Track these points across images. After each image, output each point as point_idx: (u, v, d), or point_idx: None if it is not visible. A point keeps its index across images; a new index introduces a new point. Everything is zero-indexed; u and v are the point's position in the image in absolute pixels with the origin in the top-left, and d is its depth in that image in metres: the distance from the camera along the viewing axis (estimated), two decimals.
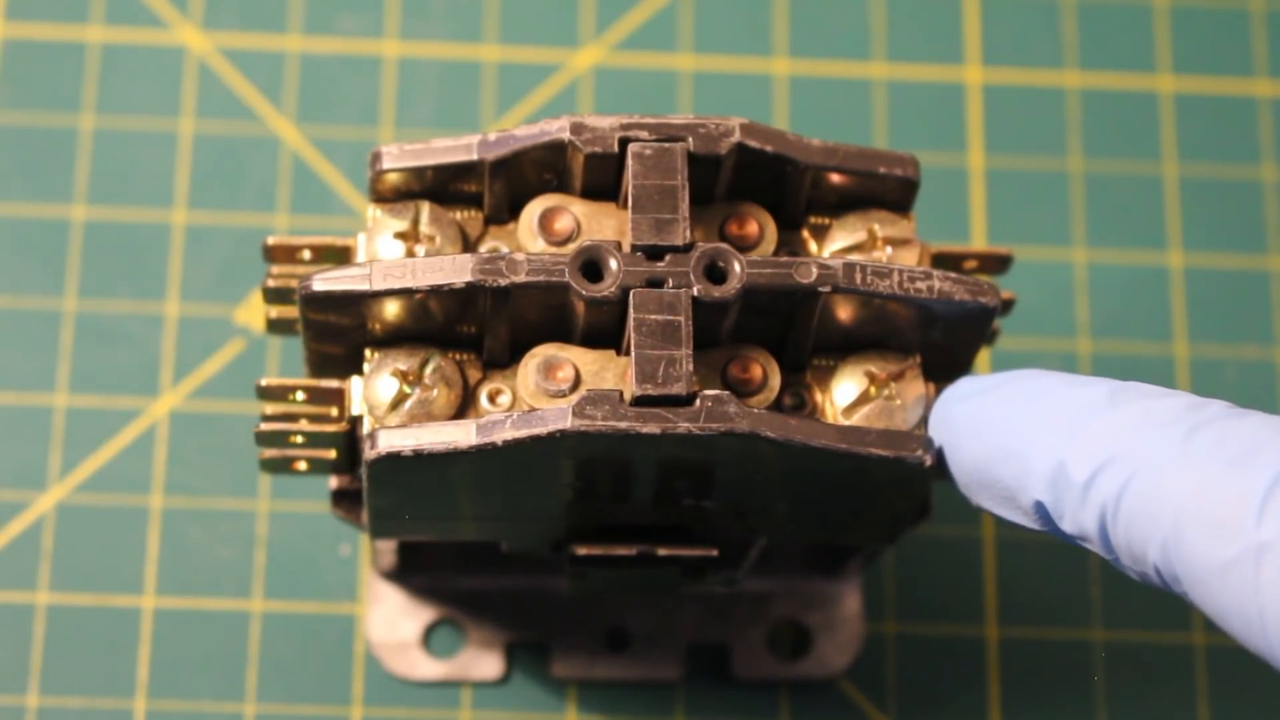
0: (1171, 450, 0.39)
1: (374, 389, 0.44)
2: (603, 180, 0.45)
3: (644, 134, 0.44)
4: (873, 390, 0.45)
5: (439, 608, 0.54)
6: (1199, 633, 0.55)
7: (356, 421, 0.45)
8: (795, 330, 0.44)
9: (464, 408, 0.44)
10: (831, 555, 0.53)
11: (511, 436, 0.42)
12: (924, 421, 0.45)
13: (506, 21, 0.60)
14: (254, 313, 0.57)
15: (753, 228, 0.45)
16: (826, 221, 0.46)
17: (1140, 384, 0.41)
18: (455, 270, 0.43)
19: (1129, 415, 0.40)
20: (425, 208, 0.45)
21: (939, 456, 0.44)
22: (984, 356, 0.57)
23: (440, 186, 0.45)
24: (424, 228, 0.45)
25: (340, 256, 0.46)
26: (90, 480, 0.55)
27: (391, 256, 0.45)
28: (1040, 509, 0.41)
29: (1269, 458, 0.38)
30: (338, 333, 0.45)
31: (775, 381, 0.44)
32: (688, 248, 0.43)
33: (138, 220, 0.58)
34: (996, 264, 0.48)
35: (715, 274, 0.43)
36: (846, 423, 0.44)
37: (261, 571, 0.55)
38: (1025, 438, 0.41)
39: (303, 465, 0.47)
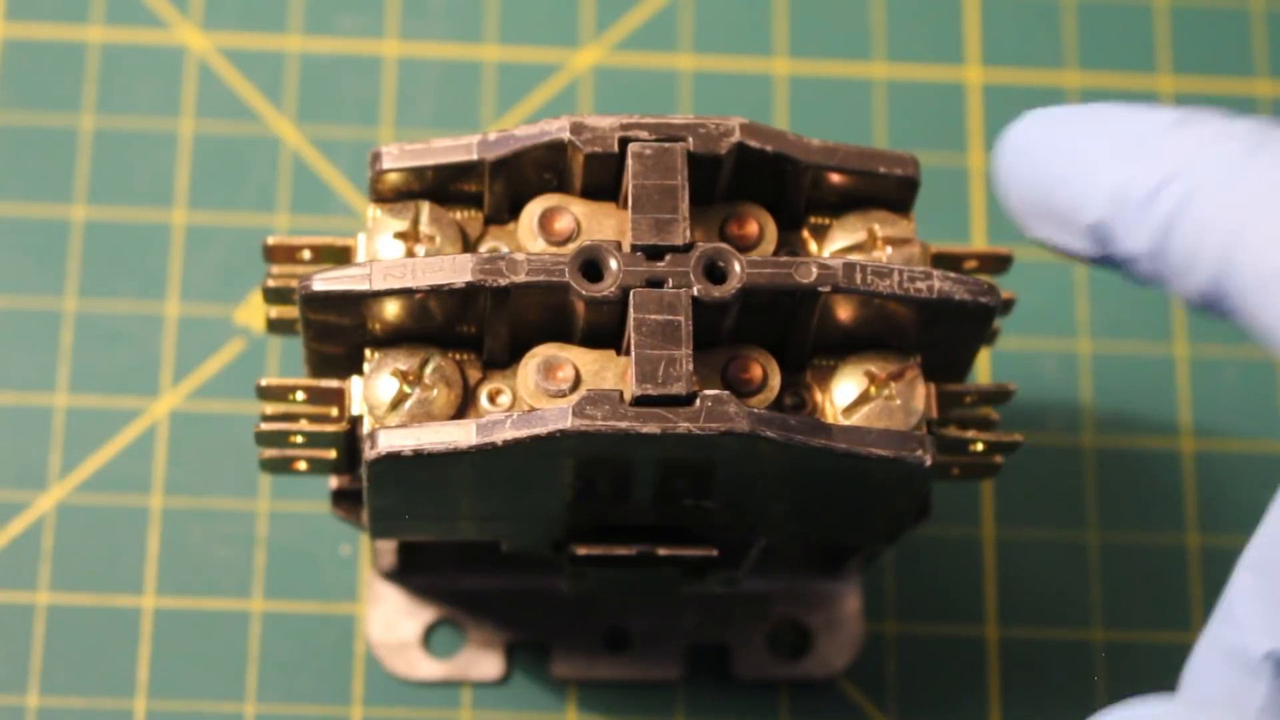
0: (1234, 165, 0.39)
1: (374, 389, 0.44)
2: (603, 180, 0.45)
3: (644, 134, 0.44)
4: (873, 390, 0.45)
5: (439, 608, 0.54)
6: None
7: (356, 421, 0.45)
8: (795, 330, 0.44)
9: (464, 408, 0.44)
10: (831, 555, 0.53)
11: (511, 436, 0.42)
12: (924, 422, 0.45)
13: (506, 21, 0.60)
14: (254, 313, 0.57)
15: (753, 228, 0.45)
16: (826, 221, 0.46)
17: (1210, 110, 0.41)
18: (455, 270, 0.43)
19: (1194, 134, 0.40)
20: (425, 208, 0.45)
21: (997, 176, 0.44)
22: (984, 356, 0.57)
23: (440, 186, 0.45)
24: (424, 228, 0.45)
25: (340, 256, 0.46)
26: (90, 480, 0.55)
27: (391, 256, 0.45)
28: (1097, 229, 0.41)
29: None
30: (338, 333, 0.45)
31: (775, 381, 0.44)
32: (688, 248, 0.43)
33: (138, 220, 0.58)
34: (996, 264, 0.48)
35: (715, 274, 0.43)
36: (846, 423, 0.44)
37: (261, 571, 0.55)
38: (1090, 158, 0.41)
39: (303, 465, 0.47)
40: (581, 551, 0.47)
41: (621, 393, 0.42)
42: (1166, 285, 0.40)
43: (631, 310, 0.42)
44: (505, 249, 0.46)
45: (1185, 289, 0.40)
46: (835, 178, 0.45)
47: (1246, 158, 0.39)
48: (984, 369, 0.57)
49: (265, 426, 0.46)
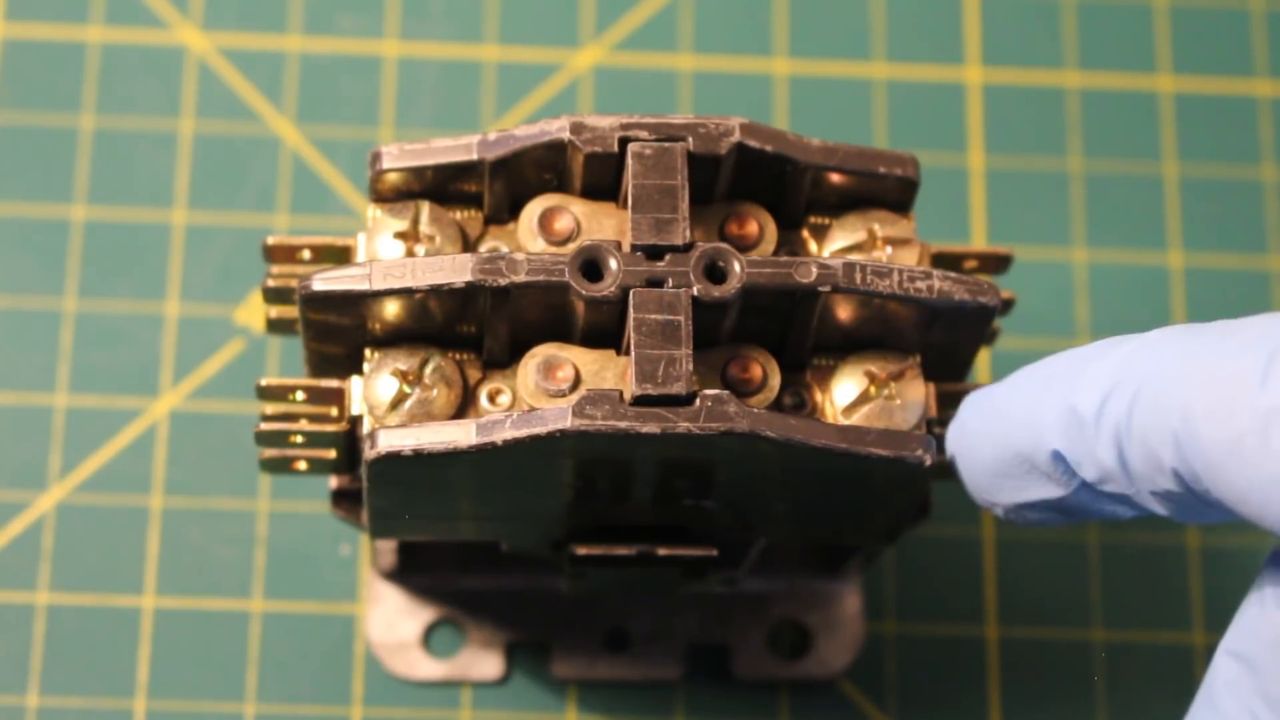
0: (1171, 357, 0.39)
1: (374, 389, 0.44)
2: (603, 180, 0.45)
3: (644, 134, 0.44)
4: (873, 390, 0.45)
5: (439, 608, 0.54)
6: (1199, 633, 0.55)
7: (356, 421, 0.45)
8: (795, 330, 0.44)
9: (464, 408, 0.44)
10: (831, 555, 0.53)
11: (511, 436, 0.42)
12: (924, 422, 0.45)
13: (506, 21, 0.60)
14: (254, 313, 0.57)
15: (753, 227, 0.45)
16: (826, 221, 0.46)
17: (1125, 335, 0.42)
18: (455, 270, 0.43)
19: (1128, 348, 0.41)
20: (425, 208, 0.45)
21: (955, 466, 0.44)
22: (984, 356, 0.57)
23: (440, 186, 0.45)
24: (424, 228, 0.45)
25: (340, 256, 0.46)
26: (90, 480, 0.55)
27: (391, 256, 0.45)
28: (1060, 461, 0.42)
29: (1268, 336, 0.38)
30: (338, 333, 0.45)
31: (775, 381, 0.44)
32: (687, 247, 0.43)
33: (138, 220, 0.58)
34: (996, 264, 0.48)
35: (715, 274, 0.43)
36: (846, 422, 0.44)
37: (261, 571, 0.55)
38: (1033, 401, 0.42)
39: (303, 465, 0.47)
40: (581, 551, 0.47)
41: (621, 393, 0.42)
42: (1140, 496, 0.41)
43: (631, 310, 0.42)
44: (505, 249, 0.46)
45: (1157, 486, 0.40)
46: (835, 178, 0.45)
47: (1181, 350, 0.39)
48: (984, 369, 0.57)
49: (265, 426, 0.46)
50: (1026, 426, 0.42)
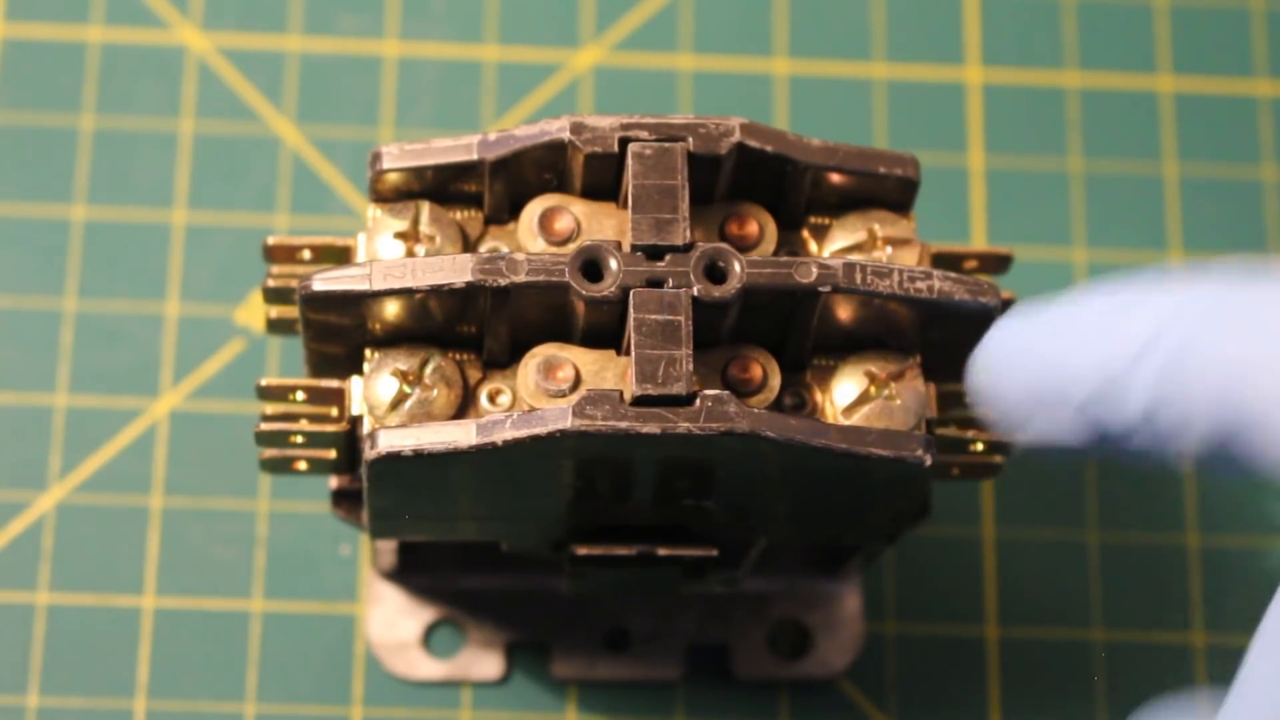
0: (1217, 309, 0.38)
1: (374, 389, 0.44)
2: (603, 180, 0.45)
3: (644, 134, 0.44)
4: (873, 390, 0.45)
5: (439, 608, 0.54)
6: (1199, 633, 0.55)
7: (356, 421, 0.45)
8: (795, 330, 0.44)
9: (464, 408, 0.44)
10: (831, 555, 0.53)
11: (511, 436, 0.42)
12: (924, 422, 0.45)
13: (506, 21, 0.60)
14: (254, 313, 0.57)
15: (753, 228, 0.45)
16: (826, 221, 0.46)
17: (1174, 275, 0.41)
18: (455, 270, 0.43)
19: (1172, 292, 0.40)
20: (425, 208, 0.45)
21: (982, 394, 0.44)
22: None
23: (440, 186, 0.45)
24: (424, 228, 0.45)
25: (340, 256, 0.46)
26: (90, 480, 0.55)
27: (391, 256, 0.45)
28: (1086, 411, 0.41)
29: None
30: (338, 333, 0.45)
31: (775, 381, 0.44)
32: (688, 248, 0.43)
33: (138, 220, 0.58)
34: (996, 264, 0.48)
35: (715, 274, 0.43)
36: (846, 423, 0.44)
37: (261, 571, 0.55)
38: (1064, 346, 0.41)
39: (303, 465, 0.47)
40: (582, 551, 0.47)
41: (621, 393, 0.42)
42: (1162, 451, 0.40)
43: (631, 310, 0.42)
44: (505, 249, 0.46)
45: (1185, 445, 0.39)
46: (835, 178, 0.45)
47: (1219, 308, 0.39)
48: None
49: (265, 426, 0.46)
50: (1055, 371, 0.41)
